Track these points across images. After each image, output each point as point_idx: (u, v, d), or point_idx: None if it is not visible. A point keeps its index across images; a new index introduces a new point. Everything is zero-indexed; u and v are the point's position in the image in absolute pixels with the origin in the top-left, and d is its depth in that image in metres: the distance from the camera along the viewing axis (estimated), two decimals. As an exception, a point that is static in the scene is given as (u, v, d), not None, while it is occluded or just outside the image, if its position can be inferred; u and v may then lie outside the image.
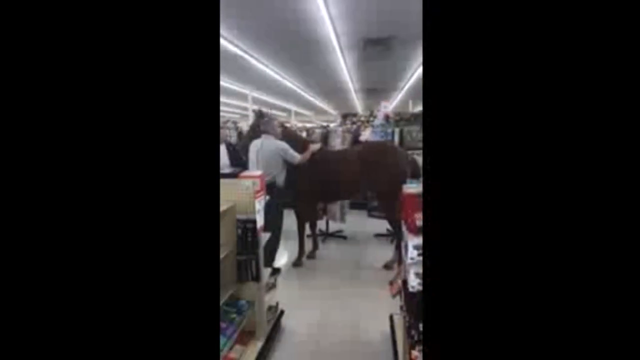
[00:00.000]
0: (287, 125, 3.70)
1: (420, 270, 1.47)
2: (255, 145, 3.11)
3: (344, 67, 7.16)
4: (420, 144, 5.35)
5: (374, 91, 10.08)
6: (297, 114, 15.10)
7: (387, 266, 3.25)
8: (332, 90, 10.08)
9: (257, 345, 1.99)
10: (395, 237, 3.27)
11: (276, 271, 3.17)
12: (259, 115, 3.42)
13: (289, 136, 3.38)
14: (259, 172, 2.10)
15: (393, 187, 2.36)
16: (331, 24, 4.51)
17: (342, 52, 6.03)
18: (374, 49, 5.89)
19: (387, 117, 6.04)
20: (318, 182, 3.22)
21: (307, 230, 3.56)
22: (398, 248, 2.98)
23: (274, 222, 3.11)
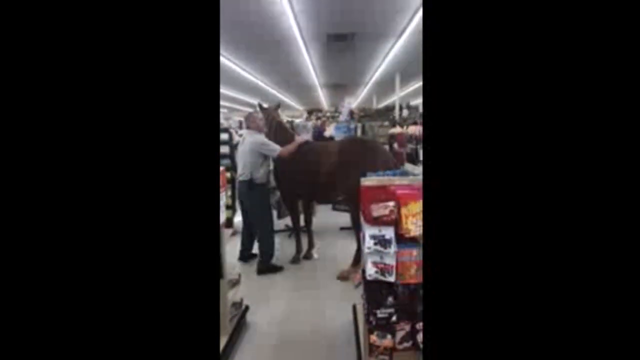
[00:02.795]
0: (280, 119, 3.55)
1: (377, 259, 1.53)
2: (241, 141, 3.06)
3: (309, 62, 7.17)
4: (381, 139, 5.48)
5: (339, 87, 10.16)
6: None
7: (343, 277, 2.93)
8: (297, 85, 10.07)
9: (221, 341, 1.98)
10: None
11: (277, 269, 3.12)
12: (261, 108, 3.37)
13: (282, 132, 3.28)
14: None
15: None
16: (294, 19, 4.51)
17: (306, 47, 6.04)
18: (337, 44, 5.95)
19: (351, 113, 6.13)
20: (302, 175, 3.07)
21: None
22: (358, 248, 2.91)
23: (260, 221, 3.05)
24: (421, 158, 4.48)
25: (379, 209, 1.49)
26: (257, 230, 3.14)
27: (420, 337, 1.58)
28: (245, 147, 2.99)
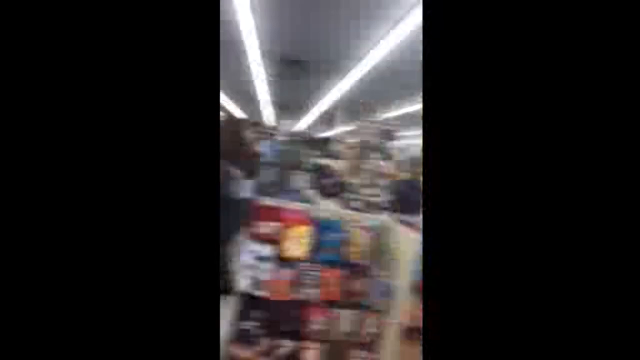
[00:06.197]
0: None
1: (253, 273, 1.61)
2: None
3: (260, 79, 7.28)
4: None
5: (286, 108, 10.39)
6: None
7: None
8: (245, 99, 10.08)
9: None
10: None
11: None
12: None
13: None
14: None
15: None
16: (256, 34, 4.60)
17: (261, 63, 6.15)
18: (290, 68, 6.17)
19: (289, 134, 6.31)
20: None
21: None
22: None
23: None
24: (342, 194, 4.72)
25: (264, 227, 1.59)
26: None
27: (279, 352, 1.67)
28: None
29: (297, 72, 6.38)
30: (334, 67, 5.92)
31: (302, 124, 12.52)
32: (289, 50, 5.32)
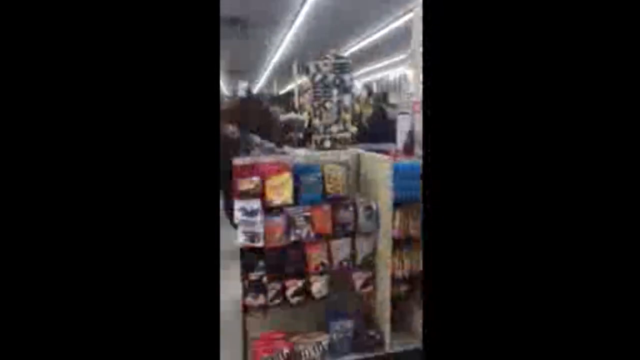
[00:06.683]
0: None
1: (246, 228, 1.72)
2: None
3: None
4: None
5: (238, 72, 10.04)
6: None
7: None
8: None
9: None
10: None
11: None
12: None
13: None
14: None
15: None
16: None
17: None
18: (232, 28, 5.91)
19: (248, 97, 6.19)
20: None
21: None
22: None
23: None
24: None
25: (245, 184, 1.67)
26: None
27: (289, 292, 1.82)
28: None
29: (238, 31, 6.14)
30: (275, 21, 5.73)
31: (259, 84, 12.20)
32: (227, 9, 5.08)
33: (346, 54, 7.97)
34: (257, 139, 2.93)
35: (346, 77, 1.91)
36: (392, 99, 6.48)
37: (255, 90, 11.14)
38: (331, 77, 1.87)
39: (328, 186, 1.77)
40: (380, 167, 1.77)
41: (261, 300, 1.80)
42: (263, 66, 9.80)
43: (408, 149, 2.40)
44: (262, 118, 3.24)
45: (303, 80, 2.48)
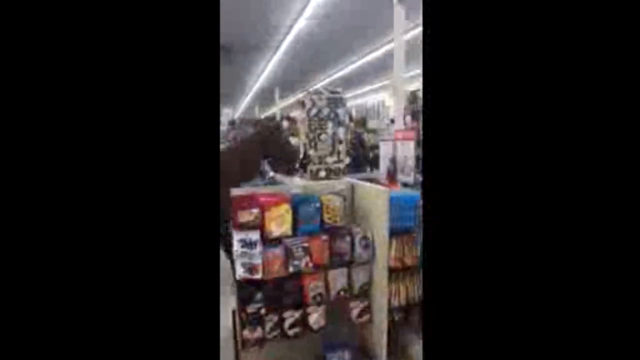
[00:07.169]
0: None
1: (245, 260, 1.71)
2: None
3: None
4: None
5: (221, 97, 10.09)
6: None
7: None
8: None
9: None
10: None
11: None
12: None
13: None
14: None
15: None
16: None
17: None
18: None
19: (232, 122, 6.24)
20: None
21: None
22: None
23: None
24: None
25: (245, 215, 1.68)
26: None
27: (286, 324, 1.81)
28: None
29: (222, 57, 6.22)
30: (258, 48, 5.86)
31: (241, 108, 12.26)
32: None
33: (326, 82, 8.18)
34: (268, 168, 2.86)
35: (340, 111, 1.98)
36: (371, 124, 6.66)
37: (237, 115, 11.19)
38: (326, 111, 1.94)
39: (326, 216, 1.80)
40: (377, 197, 1.82)
41: (258, 333, 1.77)
42: (244, 91, 9.89)
43: (391, 176, 2.48)
44: (285, 148, 3.04)
45: (297, 112, 2.52)
